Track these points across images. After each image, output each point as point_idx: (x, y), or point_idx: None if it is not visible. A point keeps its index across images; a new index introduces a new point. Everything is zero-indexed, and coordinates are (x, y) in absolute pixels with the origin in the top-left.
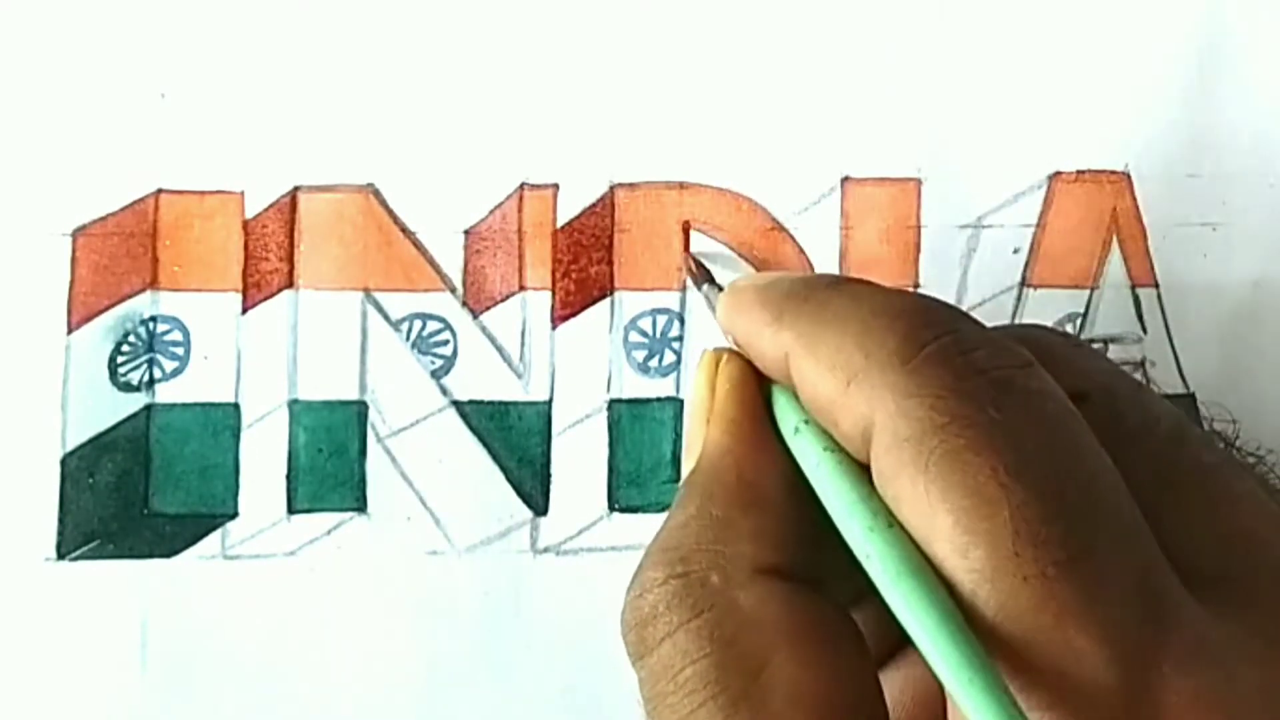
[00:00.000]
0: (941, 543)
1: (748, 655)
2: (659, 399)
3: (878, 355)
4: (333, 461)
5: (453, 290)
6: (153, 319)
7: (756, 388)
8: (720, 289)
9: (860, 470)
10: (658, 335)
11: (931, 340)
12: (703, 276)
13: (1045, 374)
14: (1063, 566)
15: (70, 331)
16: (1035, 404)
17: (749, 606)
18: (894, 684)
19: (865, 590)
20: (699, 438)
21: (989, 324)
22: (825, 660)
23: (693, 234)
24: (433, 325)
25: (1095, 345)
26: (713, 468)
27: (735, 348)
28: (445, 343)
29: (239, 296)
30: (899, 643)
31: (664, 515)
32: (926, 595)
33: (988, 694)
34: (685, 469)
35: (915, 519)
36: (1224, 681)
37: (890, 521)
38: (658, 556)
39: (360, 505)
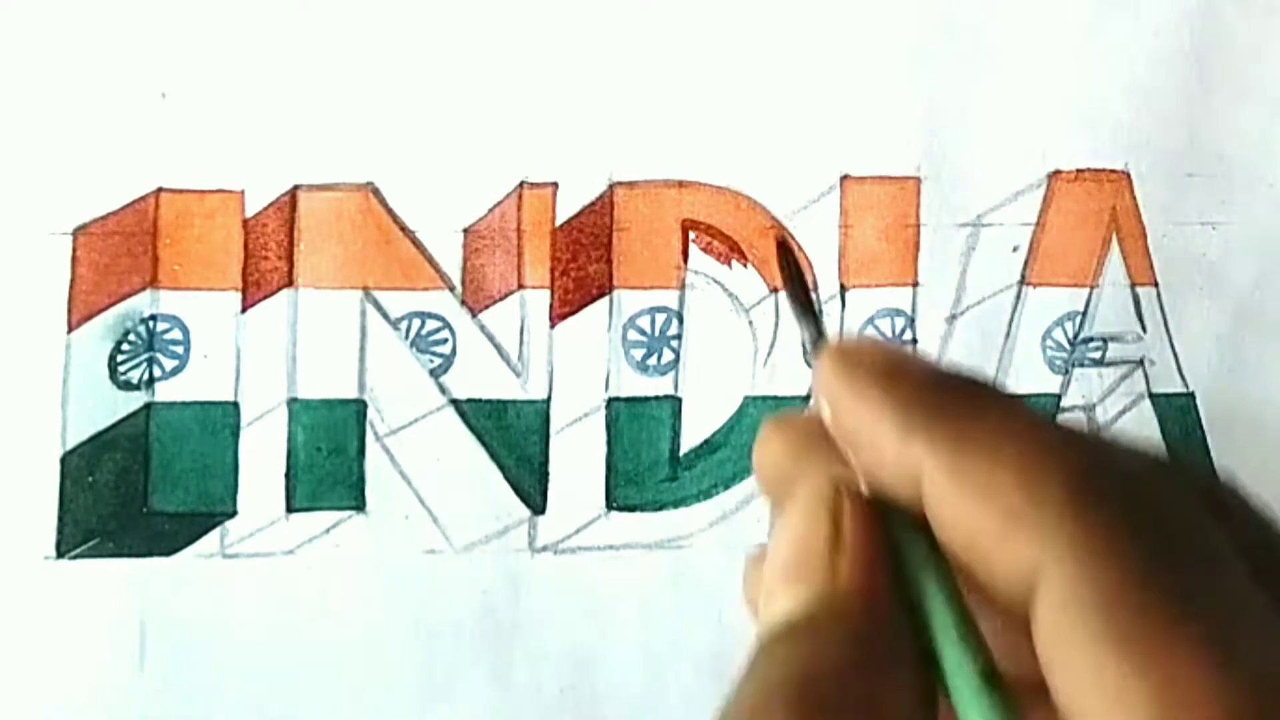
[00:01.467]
0: (1131, 713)
1: None
2: (657, 397)
3: (1046, 493)
4: (331, 460)
5: (452, 289)
6: (153, 318)
7: (878, 534)
8: (821, 332)
9: (972, 627)
10: (656, 333)
11: (1104, 475)
12: (802, 305)
13: (1201, 503)
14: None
15: (70, 330)
16: (1227, 575)
17: None
18: None
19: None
20: (803, 582)
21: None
22: None
23: (691, 238)
24: (432, 324)
25: (1094, 344)
26: (838, 635)
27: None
28: (444, 341)
29: (239, 295)
30: None
31: (661, 514)
32: None
33: None
34: (772, 608)
35: (1097, 692)
36: None
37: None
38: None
39: (359, 504)
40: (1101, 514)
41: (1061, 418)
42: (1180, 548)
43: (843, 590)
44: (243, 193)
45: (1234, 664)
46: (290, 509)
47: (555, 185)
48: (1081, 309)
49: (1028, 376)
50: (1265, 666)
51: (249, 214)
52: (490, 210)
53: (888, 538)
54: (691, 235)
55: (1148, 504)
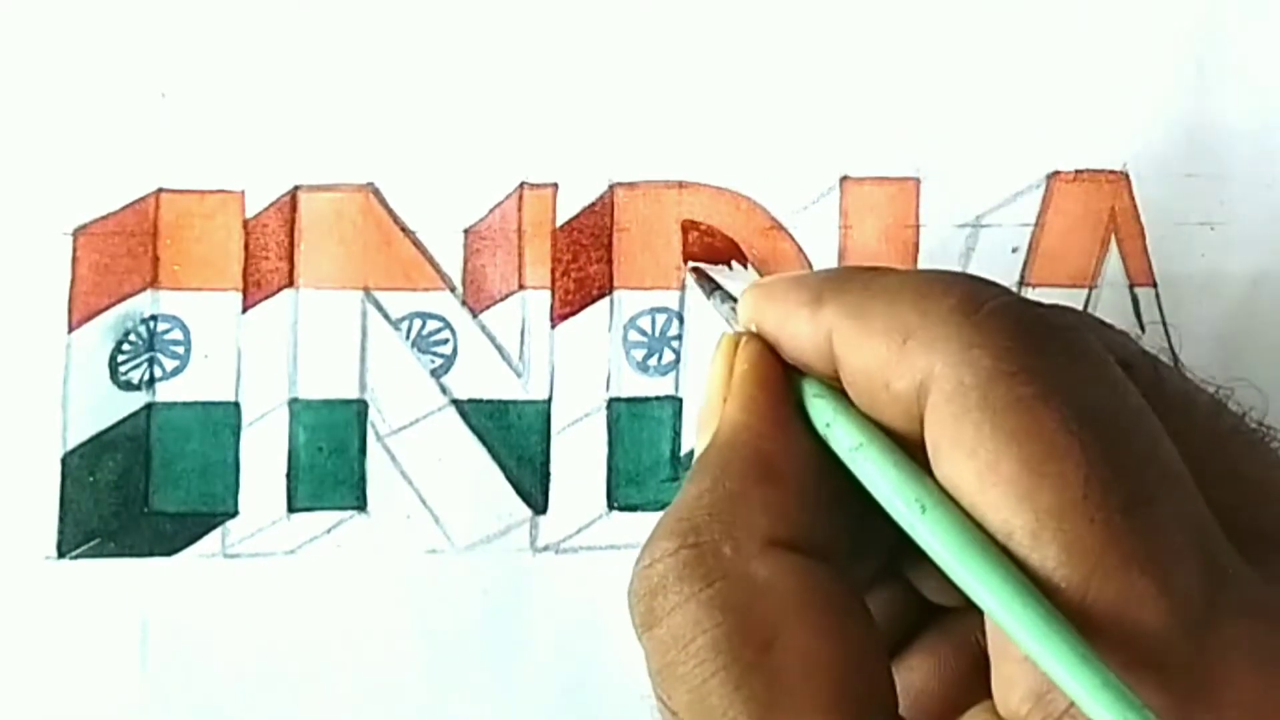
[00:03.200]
0: (1004, 486)
1: (760, 625)
2: (658, 397)
3: (937, 311)
4: (333, 460)
5: (452, 289)
6: (153, 318)
7: (778, 369)
8: (731, 296)
9: (901, 451)
10: (657, 334)
11: (991, 299)
12: (709, 285)
13: (1097, 339)
14: (1129, 512)
15: (71, 330)
16: (1099, 363)
17: (761, 577)
18: (904, 675)
19: (877, 576)
20: (714, 418)
21: None
22: (837, 631)
23: (691, 238)
24: (432, 324)
25: None
26: (729, 443)
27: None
28: (445, 341)
29: (239, 295)
30: (909, 632)
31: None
32: (994, 560)
33: (1069, 649)
34: (698, 448)
35: (975, 463)
36: (1274, 637)
37: (942, 497)
38: (670, 527)
39: (360, 504)
40: (983, 319)
41: None
42: (1049, 340)
43: (725, 426)
44: (243, 193)
45: (1088, 431)
46: (291, 509)
47: (555, 186)
48: (1081, 309)
49: None
50: (1117, 434)
51: (249, 214)
52: (490, 211)
53: (797, 394)
54: (691, 236)
55: (1022, 311)
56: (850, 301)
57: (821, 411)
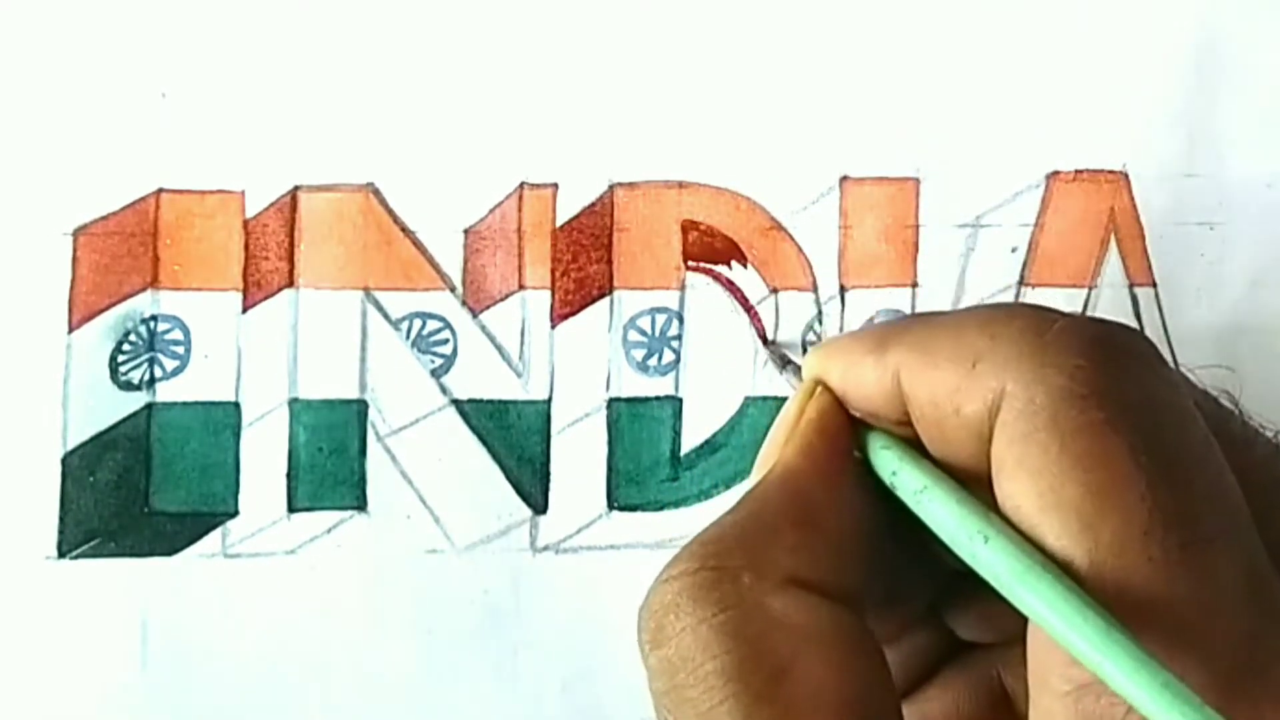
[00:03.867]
0: (1066, 514)
1: (772, 655)
2: (658, 397)
3: (1006, 334)
4: (333, 460)
5: (452, 289)
6: (153, 318)
7: (843, 422)
8: (799, 368)
9: (960, 493)
10: (656, 334)
11: (1060, 318)
12: (782, 362)
13: (1168, 366)
14: (1188, 550)
15: (71, 330)
16: (1171, 389)
17: (776, 610)
18: (923, 707)
19: (911, 621)
20: (772, 458)
21: None
22: (849, 667)
23: (690, 238)
24: (432, 324)
25: None
26: (776, 481)
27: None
28: (445, 342)
29: (239, 295)
30: (931, 669)
31: (662, 514)
32: (1053, 582)
33: (1129, 655)
34: (751, 485)
35: (1039, 485)
36: None
37: (1004, 529)
38: (695, 548)
39: (360, 504)
40: (1054, 338)
41: None
42: (1123, 363)
43: (779, 468)
44: (243, 193)
45: (1156, 464)
46: (292, 509)
47: (555, 186)
48: (1080, 309)
49: None
50: (1184, 470)
51: (249, 214)
52: (491, 211)
53: (860, 442)
54: (691, 236)
55: (1095, 329)
56: (915, 339)
57: (888, 461)
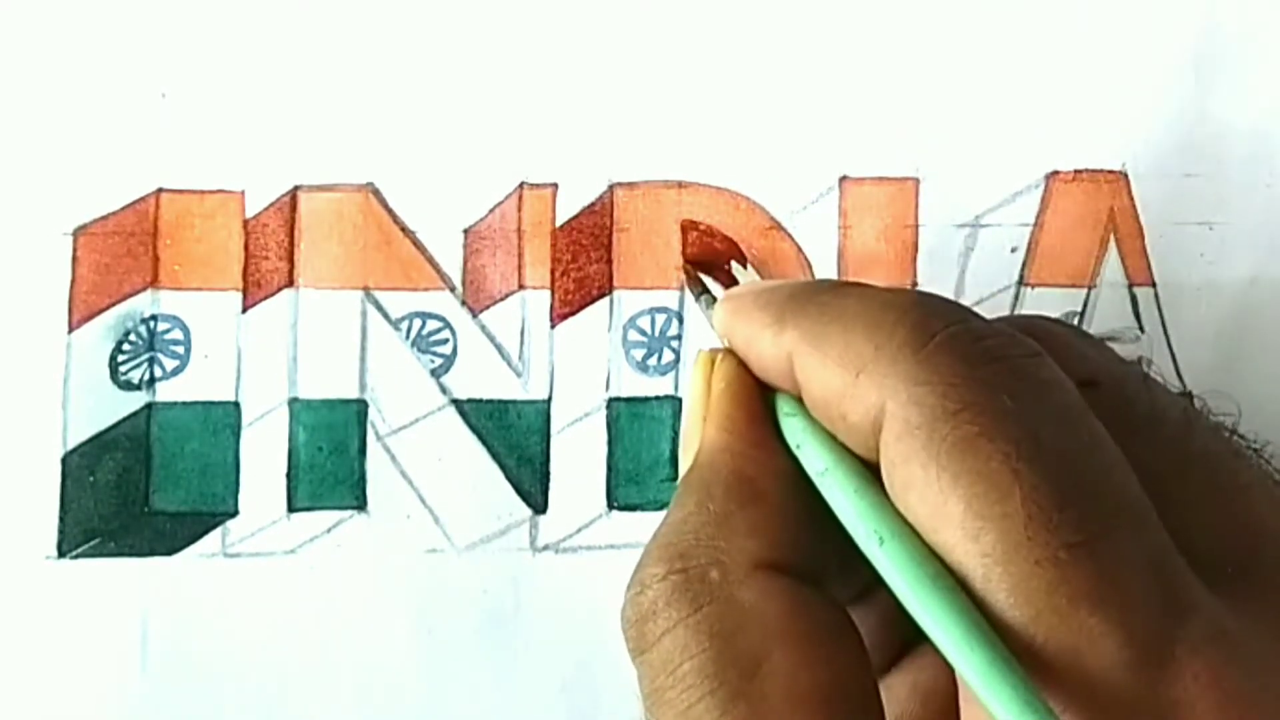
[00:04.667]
0: (953, 529)
1: (746, 650)
2: (658, 397)
3: (888, 346)
4: (333, 460)
5: (452, 289)
6: (153, 318)
7: (753, 386)
8: (715, 299)
9: (867, 477)
10: (656, 334)
11: (942, 329)
12: (698, 288)
13: (1054, 364)
14: (1075, 550)
15: (71, 330)
16: (1046, 392)
17: (748, 602)
18: (899, 688)
19: (864, 590)
20: (695, 437)
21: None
22: (823, 657)
23: (690, 238)
24: (432, 324)
25: None
26: (709, 464)
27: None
28: (445, 341)
29: (239, 295)
30: (902, 646)
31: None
32: (945, 598)
33: (1013, 692)
34: (682, 468)
35: (925, 506)
36: (1238, 669)
37: (901, 529)
38: (657, 553)
39: (360, 503)
40: (930, 354)
41: None
42: (995, 373)
43: (706, 448)
44: (243, 193)
45: (1033, 468)
46: (291, 509)
47: (555, 186)
48: (1080, 309)
49: None
50: (1065, 469)
51: (249, 214)
52: (490, 211)
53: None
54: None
55: (970, 342)
56: (808, 327)
57: (793, 431)
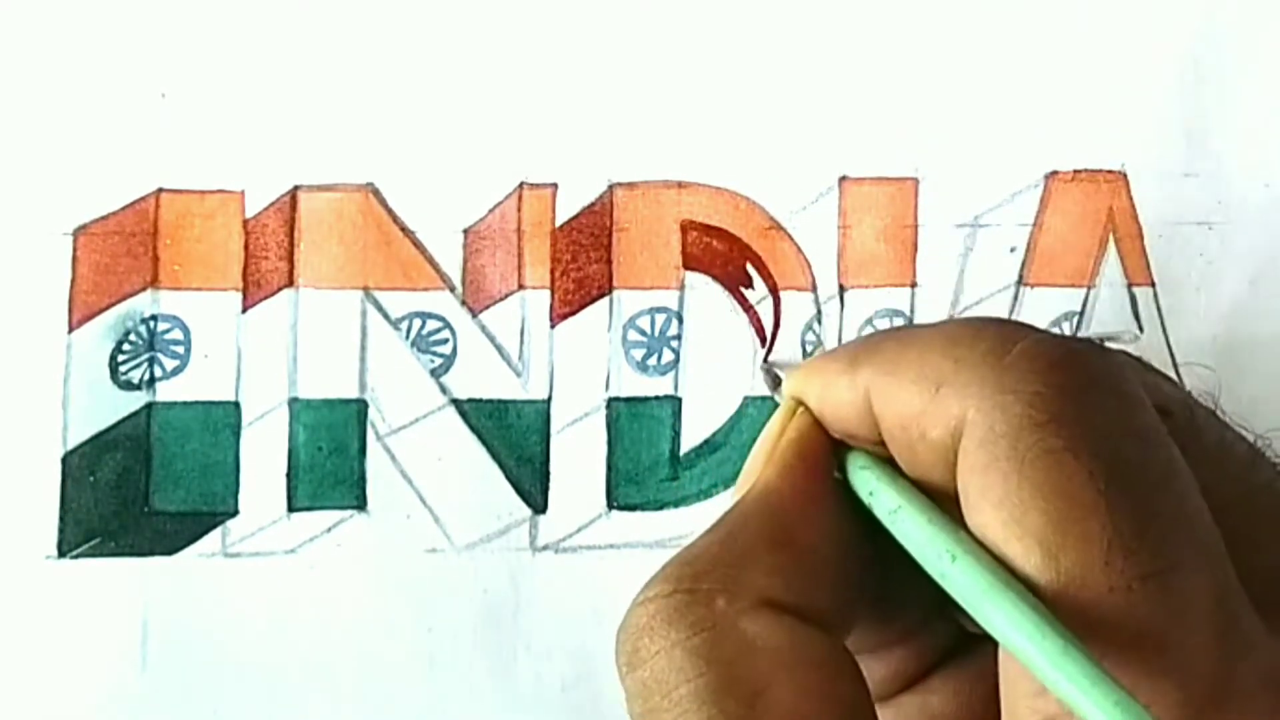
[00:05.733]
0: (1028, 541)
1: (746, 680)
2: (657, 397)
3: (969, 358)
4: (332, 459)
5: (452, 289)
6: (153, 318)
7: (823, 444)
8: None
9: (938, 510)
10: (656, 334)
11: (1024, 338)
12: (774, 382)
13: (1136, 379)
14: (1149, 582)
15: (71, 330)
16: (1132, 411)
17: (751, 632)
18: (926, 699)
19: (916, 626)
20: (753, 476)
21: None
22: (825, 692)
23: (690, 239)
24: (432, 324)
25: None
26: (755, 501)
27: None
28: (445, 341)
29: (239, 295)
30: (937, 661)
31: (662, 513)
32: (1014, 601)
33: (1108, 693)
34: (732, 500)
35: (1003, 513)
36: None
37: (973, 547)
38: (671, 569)
39: (360, 503)
40: (1014, 361)
41: None
42: (1083, 386)
43: (757, 488)
44: (243, 193)
45: (1116, 490)
46: (291, 508)
47: (555, 186)
48: (1079, 309)
49: None
50: (1146, 496)
51: (249, 214)
52: (490, 211)
53: (838, 465)
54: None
55: (1056, 352)
56: (884, 359)
57: (865, 481)
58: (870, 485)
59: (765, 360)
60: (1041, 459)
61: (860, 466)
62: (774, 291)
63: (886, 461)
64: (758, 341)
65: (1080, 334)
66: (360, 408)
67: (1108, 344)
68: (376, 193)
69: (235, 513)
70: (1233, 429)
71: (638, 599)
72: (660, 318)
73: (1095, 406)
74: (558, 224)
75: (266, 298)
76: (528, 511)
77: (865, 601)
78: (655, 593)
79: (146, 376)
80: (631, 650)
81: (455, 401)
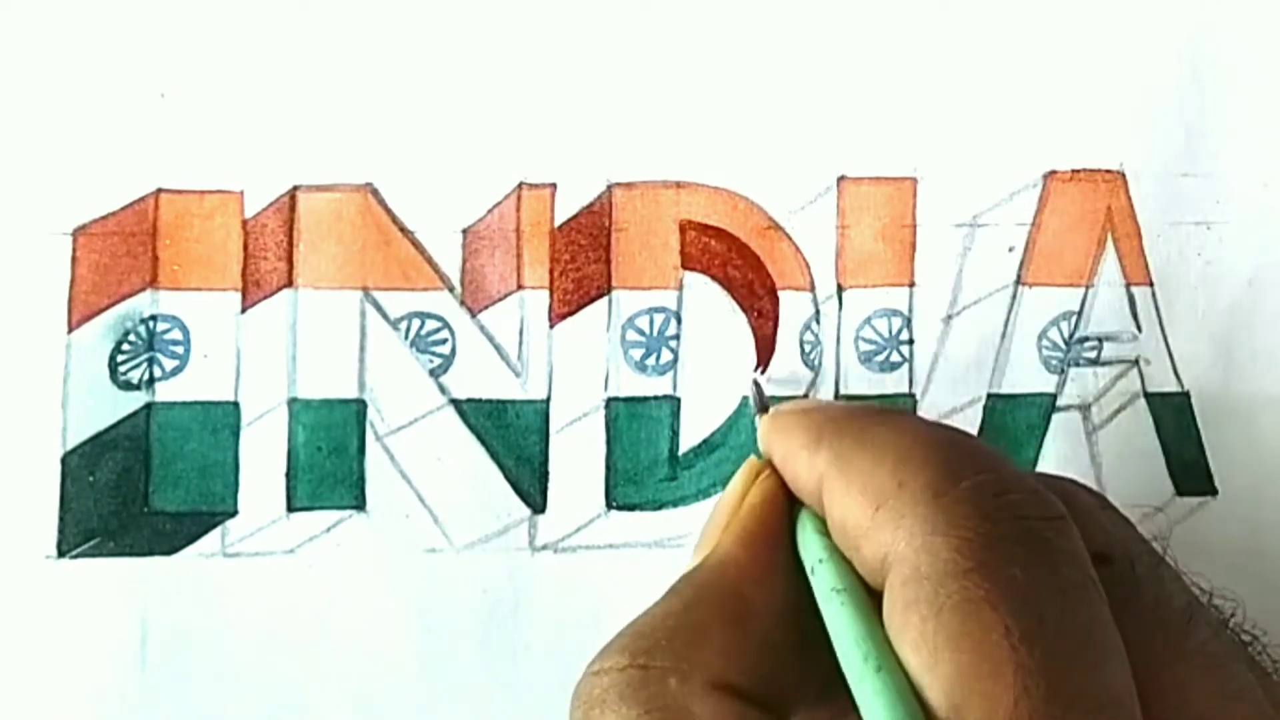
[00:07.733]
0: (937, 690)
1: None
2: (656, 397)
3: (911, 485)
4: (332, 459)
5: (451, 289)
6: (153, 318)
7: (783, 512)
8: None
9: (872, 608)
10: (654, 334)
11: (969, 476)
12: (761, 404)
13: (1075, 532)
14: None
15: (71, 330)
16: (1061, 567)
17: (700, 716)
18: None
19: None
20: (713, 540)
21: (984, 325)
22: None
23: (689, 239)
24: (431, 324)
25: (1089, 343)
26: (712, 571)
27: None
28: (444, 341)
29: (238, 295)
30: None
31: (661, 513)
32: None
33: None
34: (692, 564)
35: (917, 658)
36: None
37: (890, 665)
38: (627, 640)
39: (359, 503)
40: (951, 503)
41: (1057, 417)
42: (1013, 538)
43: (716, 557)
44: (242, 193)
45: (1030, 648)
46: (291, 508)
47: (554, 186)
48: (1077, 309)
49: (1023, 376)
50: (1062, 655)
51: (249, 214)
52: (489, 211)
53: (793, 534)
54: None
55: (994, 498)
56: (841, 452)
57: (813, 549)
58: (819, 554)
59: (754, 382)
60: (960, 608)
61: (812, 530)
62: (772, 291)
63: None
64: (755, 343)
65: (1079, 333)
66: (359, 408)
67: (1106, 344)
68: (375, 193)
69: (235, 513)
70: (1178, 582)
71: (592, 667)
72: (659, 318)
73: (1021, 561)
74: (556, 224)
75: (266, 298)
76: (527, 511)
77: (812, 679)
78: (610, 665)
79: (146, 376)
80: (583, 718)
81: (454, 401)
